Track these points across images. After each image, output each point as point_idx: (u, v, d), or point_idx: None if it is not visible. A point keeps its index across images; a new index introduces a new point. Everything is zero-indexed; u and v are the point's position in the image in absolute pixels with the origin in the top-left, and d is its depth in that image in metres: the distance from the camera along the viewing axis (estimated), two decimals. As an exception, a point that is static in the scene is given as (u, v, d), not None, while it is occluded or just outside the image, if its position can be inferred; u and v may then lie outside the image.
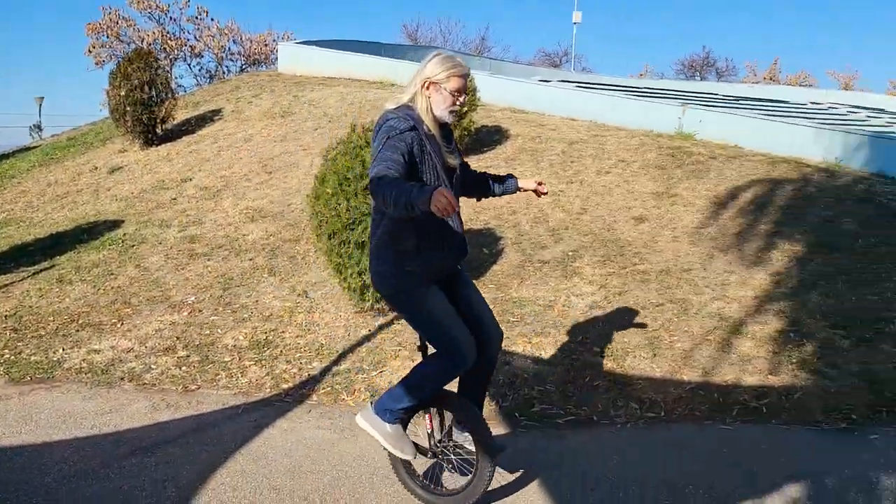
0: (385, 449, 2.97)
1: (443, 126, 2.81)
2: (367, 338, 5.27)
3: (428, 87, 2.71)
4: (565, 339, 5.12)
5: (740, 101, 16.62)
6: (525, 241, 6.97)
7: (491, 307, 5.67)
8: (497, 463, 3.02)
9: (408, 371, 3.03)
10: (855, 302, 5.50)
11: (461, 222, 2.94)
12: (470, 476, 3.03)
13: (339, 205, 5.17)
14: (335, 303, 5.84)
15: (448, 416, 3.10)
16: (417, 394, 2.90)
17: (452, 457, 3.09)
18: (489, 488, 3.05)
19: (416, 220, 2.62)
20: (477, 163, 9.31)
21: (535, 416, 4.21)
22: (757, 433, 3.97)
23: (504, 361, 4.82)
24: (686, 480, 3.40)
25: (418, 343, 3.12)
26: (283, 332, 5.41)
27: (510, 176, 3.26)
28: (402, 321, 5.52)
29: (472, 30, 78.47)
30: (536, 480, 3.39)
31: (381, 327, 5.43)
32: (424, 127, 2.70)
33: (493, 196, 3.27)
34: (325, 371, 4.80)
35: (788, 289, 5.77)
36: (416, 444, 3.03)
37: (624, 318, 5.40)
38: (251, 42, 30.68)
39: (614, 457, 3.67)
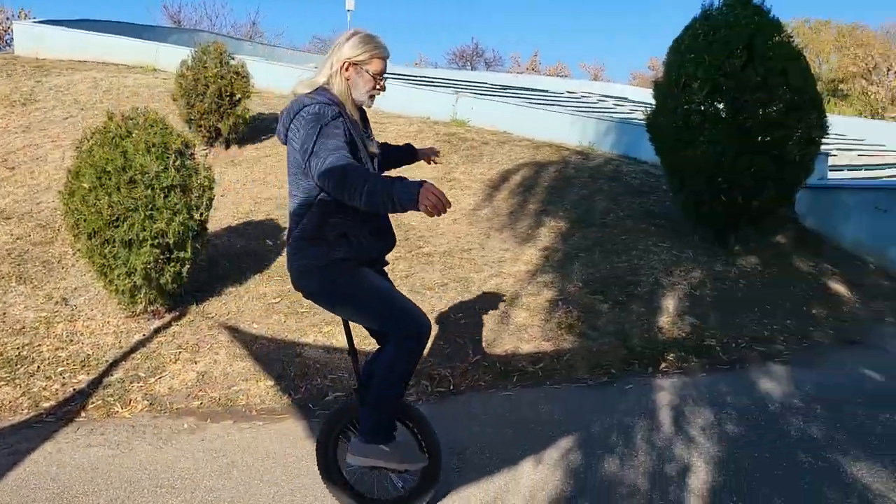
0: (397, 470, 2.78)
1: (359, 110, 2.67)
2: (142, 343, 4.86)
3: (347, 69, 2.52)
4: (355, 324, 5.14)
5: (507, 90, 17.81)
6: (310, 231, 6.87)
7: (279, 299, 5.54)
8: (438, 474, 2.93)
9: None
10: (609, 270, 6.19)
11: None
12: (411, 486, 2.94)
13: (100, 200, 4.68)
14: (101, 308, 5.31)
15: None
16: (392, 391, 2.67)
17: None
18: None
19: (346, 211, 2.46)
20: (256, 152, 8.99)
21: (328, 404, 4.18)
22: (534, 395, 4.32)
23: (296, 353, 4.74)
24: (473, 445, 3.60)
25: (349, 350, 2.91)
26: (38, 345, 4.80)
27: (409, 145, 3.20)
28: (181, 322, 5.18)
29: (241, 13, 74.99)
30: (333, 468, 3.38)
31: (157, 331, 5.04)
32: (347, 111, 2.53)
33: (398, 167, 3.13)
34: (94, 384, 4.35)
35: (555, 262, 6.33)
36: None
37: (412, 299, 5.54)
38: (-22, 20, 26.55)
39: (408, 434, 3.77)
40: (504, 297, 5.62)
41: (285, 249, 2.93)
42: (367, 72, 2.54)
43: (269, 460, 3.45)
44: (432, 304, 5.49)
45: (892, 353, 5.25)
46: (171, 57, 13.17)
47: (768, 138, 6.16)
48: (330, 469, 2.94)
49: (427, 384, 4.46)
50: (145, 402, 4.16)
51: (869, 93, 31.23)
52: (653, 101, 6.89)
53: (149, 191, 4.78)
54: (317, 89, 2.52)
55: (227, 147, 8.97)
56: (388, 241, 2.78)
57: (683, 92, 6.40)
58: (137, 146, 4.82)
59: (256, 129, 9.59)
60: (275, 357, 4.71)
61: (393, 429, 2.75)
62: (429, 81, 17.44)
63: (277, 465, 3.41)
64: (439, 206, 2.03)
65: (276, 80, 11.61)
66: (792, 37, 6.56)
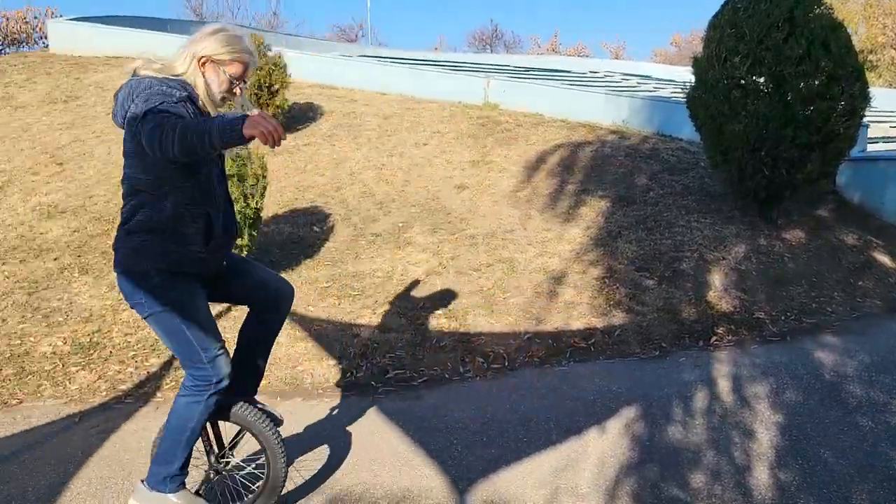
0: None
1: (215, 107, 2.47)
2: (206, 327, 5.04)
3: (204, 65, 2.35)
4: (408, 306, 5.28)
5: (530, 72, 17.77)
6: (354, 216, 7.01)
7: (330, 283, 5.69)
8: (288, 459, 2.82)
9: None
10: (653, 246, 6.25)
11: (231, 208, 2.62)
12: (262, 480, 2.78)
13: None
14: (163, 296, 5.50)
15: (223, 423, 2.74)
16: (186, 437, 2.51)
17: (243, 465, 2.83)
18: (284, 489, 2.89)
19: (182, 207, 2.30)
20: (294, 141, 9.14)
21: (390, 381, 4.33)
22: (588, 369, 4.43)
23: (353, 334, 4.89)
24: (537, 416, 3.72)
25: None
26: (108, 331, 5.01)
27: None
28: (241, 307, 5.35)
29: (262, 4, 75.26)
30: (406, 440, 3.52)
31: (218, 315, 5.21)
32: (200, 103, 2.36)
33: None
34: (166, 366, 4.55)
35: (598, 240, 6.40)
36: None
37: (459, 280, 5.68)
38: (7, 20, 27.06)
39: (470, 407, 3.91)
40: (550, 276, 5.72)
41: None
42: (225, 72, 2.37)
43: (342, 433, 3.61)
44: (480, 285, 5.60)
45: (943, 322, 5.26)
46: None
47: (811, 110, 6.14)
48: None
49: (482, 361, 4.58)
50: (216, 382, 4.33)
51: (899, 62, 30.53)
52: (686, 78, 6.89)
53: (207, 180, 4.94)
54: (170, 77, 2.30)
55: (266, 137, 9.15)
56: (226, 248, 2.60)
57: (724, 67, 6.39)
58: (195, 137, 4.97)
59: (293, 119, 9.74)
60: (334, 338, 4.86)
61: (182, 480, 2.58)
62: (456, 65, 17.48)
63: (352, 437, 3.56)
64: (275, 132, 1.95)
65: (304, 70, 11.72)
66: (832, 8, 6.52)
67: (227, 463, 2.80)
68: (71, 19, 15.32)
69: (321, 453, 3.41)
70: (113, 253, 2.43)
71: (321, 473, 3.22)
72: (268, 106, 8.77)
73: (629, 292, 5.45)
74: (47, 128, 9.86)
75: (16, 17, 27.54)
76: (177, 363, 4.57)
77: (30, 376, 4.42)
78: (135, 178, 2.34)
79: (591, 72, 21.01)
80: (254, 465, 2.81)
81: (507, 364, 4.56)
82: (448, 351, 4.70)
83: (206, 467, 2.77)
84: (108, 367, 4.55)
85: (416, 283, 5.65)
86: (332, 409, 3.97)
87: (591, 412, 3.77)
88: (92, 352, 4.73)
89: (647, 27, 71.16)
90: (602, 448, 3.38)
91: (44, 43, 22.10)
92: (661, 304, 5.31)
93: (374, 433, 3.62)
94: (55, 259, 6.16)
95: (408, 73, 12.43)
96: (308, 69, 11.95)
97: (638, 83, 18.33)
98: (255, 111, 2.08)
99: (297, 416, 3.85)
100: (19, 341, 4.85)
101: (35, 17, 27.78)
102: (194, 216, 2.38)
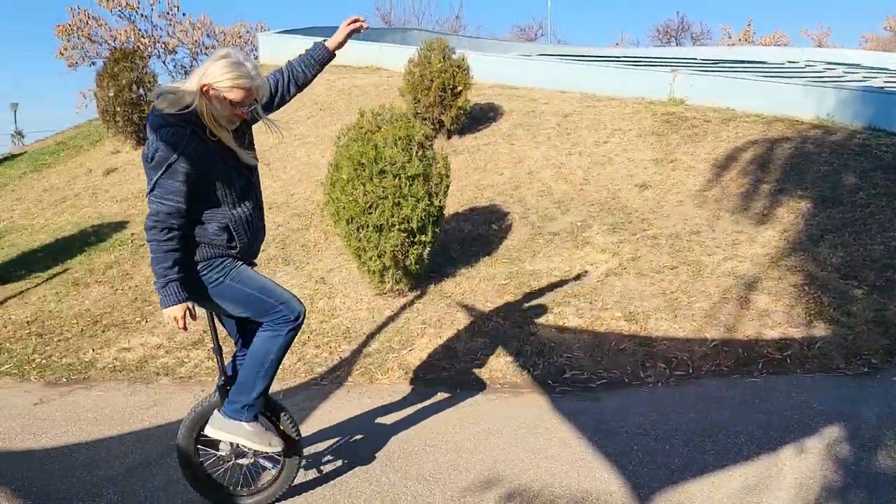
0: (250, 448, 2.82)
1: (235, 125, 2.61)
2: (392, 318, 5.34)
3: (207, 92, 2.46)
4: (586, 306, 5.22)
5: (719, 64, 16.72)
6: (532, 215, 7.05)
7: (508, 281, 5.77)
8: (302, 453, 2.97)
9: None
10: (862, 252, 5.64)
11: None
12: (278, 468, 2.95)
13: (356, 190, 5.21)
14: (354, 287, 5.91)
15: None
16: (266, 368, 2.74)
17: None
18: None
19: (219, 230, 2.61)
20: (474, 141, 9.37)
21: (567, 381, 4.32)
22: (784, 383, 4.10)
23: (530, 332, 4.93)
24: (724, 428, 3.52)
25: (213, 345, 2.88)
26: (306, 318, 5.46)
27: (318, 44, 3.01)
28: (423, 300, 5.60)
29: (445, 9, 77.83)
30: (583, 441, 3.50)
31: (403, 307, 5.50)
32: (208, 133, 2.49)
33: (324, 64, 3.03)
34: (356, 353, 4.88)
35: (797, 243, 5.90)
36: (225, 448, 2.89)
37: (641, 282, 5.51)
38: (224, 35, 30.37)
39: (651, 413, 3.79)
40: (741, 281, 5.37)
41: None
42: (226, 98, 2.47)
43: (522, 429, 3.66)
44: (662, 287, 5.40)
45: None
46: (391, 56, 14.13)
47: None
48: (195, 469, 2.92)
49: (665, 367, 4.42)
50: (401, 370, 4.59)
51: None
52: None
53: (396, 180, 5.22)
54: (181, 111, 2.44)
55: (449, 137, 9.46)
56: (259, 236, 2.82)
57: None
58: (386, 139, 5.28)
59: (474, 119, 9.98)
60: (510, 335, 4.93)
61: (258, 410, 2.79)
62: (638, 60, 16.92)
63: (531, 434, 3.60)
64: (178, 327, 2.54)
65: (484, 71, 11.93)
66: None
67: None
68: (277, 32, 16.88)
69: (498, 447, 3.48)
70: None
71: (498, 467, 3.29)
72: (450, 108, 9.07)
73: (833, 302, 4.97)
74: (257, 132, 10.91)
75: (231, 32, 30.86)
76: (365, 351, 4.90)
77: (242, 354, 4.96)
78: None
79: (788, 62, 19.38)
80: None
81: (691, 371, 4.36)
82: (628, 354, 4.58)
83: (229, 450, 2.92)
84: (307, 351, 4.98)
85: (594, 283, 5.57)
86: (510, 404, 4.04)
87: (786, 428, 3.49)
88: (293, 336, 5.20)
89: (855, 11, 63.94)
90: (801, 468, 3.13)
91: (254, 55, 24.51)
92: (872, 315, 4.79)
93: (550, 431, 3.63)
94: (263, 250, 6.83)
95: (588, 70, 12.23)
96: (488, 70, 12.17)
97: (844, 73, 16.59)
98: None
99: (476, 409, 3.97)
100: (234, 323, 5.45)
101: (247, 32, 30.97)
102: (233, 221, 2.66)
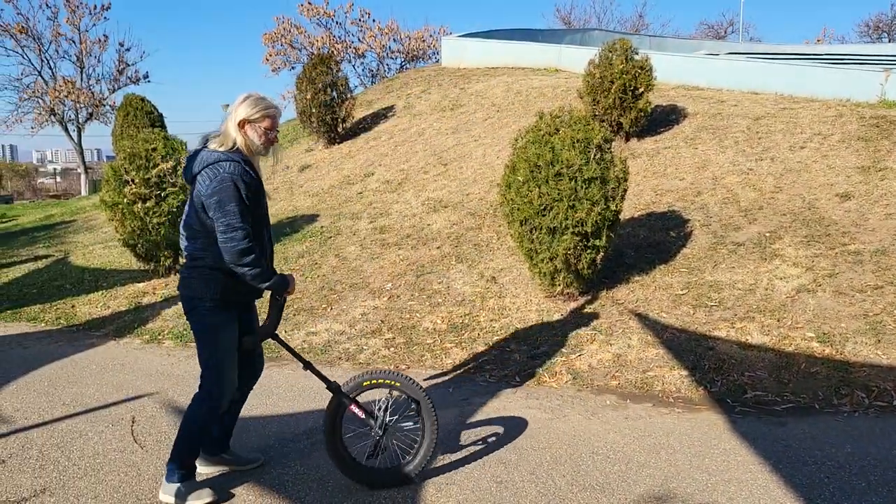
0: None
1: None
2: (561, 322, 5.32)
3: (244, 126, 2.90)
4: (773, 323, 4.86)
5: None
6: (714, 223, 6.68)
7: (685, 291, 5.53)
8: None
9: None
10: None
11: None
12: (417, 445, 3.19)
13: (531, 192, 5.25)
14: (523, 288, 5.95)
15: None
16: (192, 438, 3.03)
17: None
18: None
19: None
20: (654, 144, 9.04)
21: (748, 402, 4.06)
22: None
23: (708, 346, 4.68)
24: (938, 475, 3.13)
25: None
26: (476, 316, 5.60)
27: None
28: (593, 305, 5.52)
29: (627, 8, 75.62)
30: (765, 467, 3.27)
31: (573, 311, 5.46)
32: (254, 164, 2.95)
33: None
34: (524, 354, 4.92)
35: None
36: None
37: (838, 301, 5.03)
38: (410, 39, 31.73)
39: (846, 445, 3.46)
40: (964, 307, 4.72)
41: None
42: (260, 127, 2.92)
43: (696, 447, 3.49)
44: (864, 309, 4.88)
45: None
46: (570, 57, 14.02)
47: None
48: (338, 447, 3.17)
49: (863, 395, 4.01)
50: (569, 375, 4.56)
51: None
52: None
53: (572, 183, 5.19)
54: (232, 149, 2.87)
55: (627, 140, 9.20)
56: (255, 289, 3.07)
57: None
58: (564, 142, 5.26)
59: (654, 122, 9.62)
60: (686, 348, 4.72)
61: (191, 469, 3.09)
62: (843, 58, 15.39)
63: (707, 453, 3.43)
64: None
65: (667, 71, 11.44)
66: None
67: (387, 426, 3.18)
68: (459, 36, 17.35)
69: (669, 463, 3.35)
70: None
71: (669, 484, 3.16)
72: (630, 110, 8.82)
73: None
74: (436, 133, 11.35)
75: (415, 37, 32.21)
76: (533, 352, 4.92)
77: (415, 347, 5.19)
78: (195, 228, 2.91)
79: None
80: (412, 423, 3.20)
81: (894, 403, 3.91)
82: (820, 378, 4.21)
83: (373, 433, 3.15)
84: (476, 348, 5.10)
85: (783, 299, 5.17)
86: (683, 420, 3.87)
87: None
88: (463, 332, 5.35)
89: None
90: None
91: (436, 58, 25.45)
92: None
93: (728, 453, 3.43)
94: (438, 247, 7.10)
95: (784, 70, 11.31)
96: (671, 70, 11.68)
97: None
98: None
99: (647, 422, 3.85)
100: (408, 316, 5.72)
101: (431, 36, 32.14)
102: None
